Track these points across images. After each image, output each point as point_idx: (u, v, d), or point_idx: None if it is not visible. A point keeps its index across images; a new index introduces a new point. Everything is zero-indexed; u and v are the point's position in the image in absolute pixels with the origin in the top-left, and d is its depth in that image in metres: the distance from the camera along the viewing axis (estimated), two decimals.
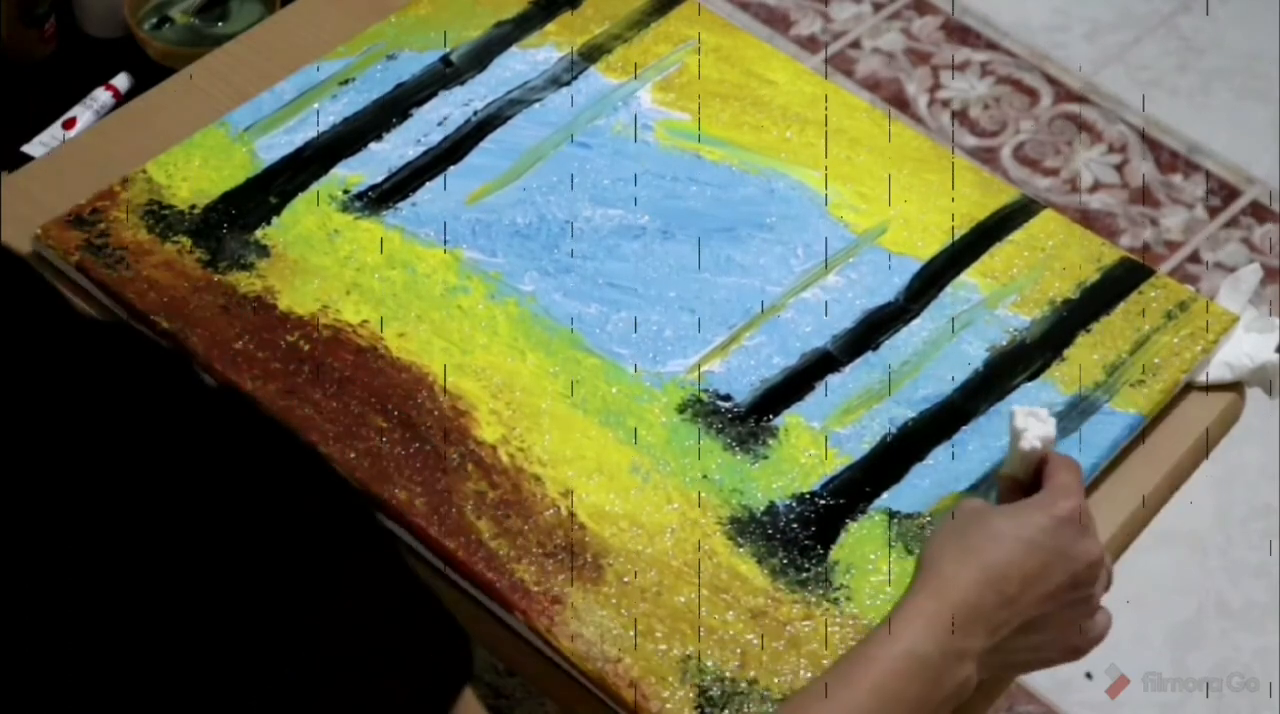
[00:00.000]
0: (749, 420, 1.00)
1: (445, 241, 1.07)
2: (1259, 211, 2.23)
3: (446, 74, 1.18)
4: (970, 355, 1.04)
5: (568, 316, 1.04)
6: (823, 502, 0.96)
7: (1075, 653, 0.90)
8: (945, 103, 2.32)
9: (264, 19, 1.33)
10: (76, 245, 1.05)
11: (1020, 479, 0.91)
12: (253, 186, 1.10)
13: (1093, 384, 1.03)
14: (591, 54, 1.19)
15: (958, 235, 1.10)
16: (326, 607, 0.59)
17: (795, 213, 1.11)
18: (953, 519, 0.88)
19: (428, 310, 1.04)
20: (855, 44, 2.39)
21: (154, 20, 1.41)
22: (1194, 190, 2.25)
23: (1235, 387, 1.06)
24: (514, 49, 1.19)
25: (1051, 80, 2.36)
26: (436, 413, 0.99)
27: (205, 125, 1.13)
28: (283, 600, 0.58)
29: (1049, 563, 0.85)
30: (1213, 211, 2.23)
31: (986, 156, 2.25)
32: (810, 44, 2.38)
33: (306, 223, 1.08)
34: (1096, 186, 2.24)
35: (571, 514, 0.95)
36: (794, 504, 0.96)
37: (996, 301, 1.07)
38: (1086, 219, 2.16)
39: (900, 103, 2.31)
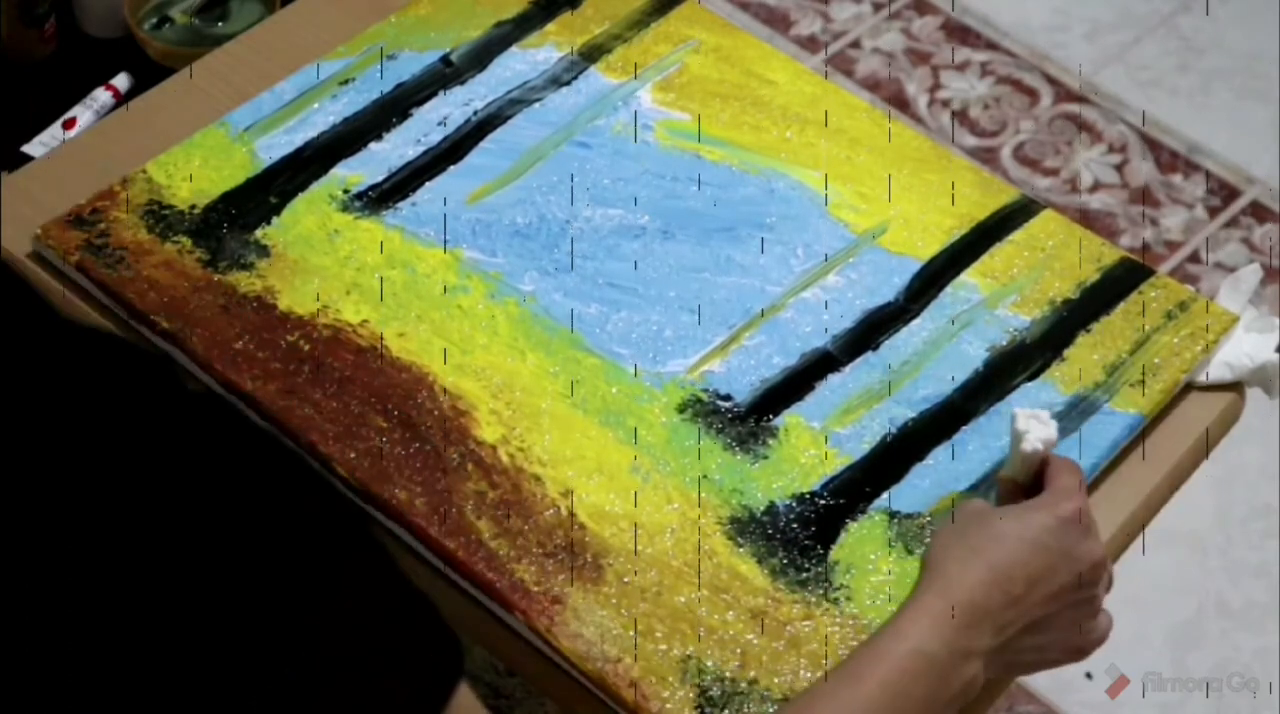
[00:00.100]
0: (749, 420, 1.00)
1: (445, 241, 1.07)
2: (1259, 211, 2.23)
3: (446, 74, 1.18)
4: (970, 355, 1.04)
5: (568, 316, 1.04)
6: (823, 502, 0.96)
7: (1078, 653, 0.90)
8: (945, 103, 2.32)
9: (264, 19, 1.33)
10: (76, 245, 1.05)
11: (1020, 481, 0.91)
12: (253, 186, 1.10)
13: (1093, 384, 1.03)
14: (591, 54, 1.19)
15: (958, 235, 1.10)
16: (325, 607, 0.59)
17: (795, 213, 1.11)
18: (955, 520, 0.88)
19: (428, 310, 1.04)
20: (855, 44, 2.39)
21: (154, 20, 1.41)
22: (1194, 190, 2.25)
23: (1235, 387, 1.06)
24: (514, 49, 1.19)
25: (1051, 80, 2.36)
26: (436, 413, 0.99)
27: (205, 125, 1.13)
28: (282, 601, 0.58)
29: (1054, 564, 0.86)
30: (1213, 211, 2.23)
31: (986, 156, 2.25)
32: (810, 44, 2.38)
33: (306, 223, 1.08)
34: (1096, 186, 2.24)
35: (571, 514, 0.95)
36: (794, 504, 0.96)
37: (996, 301, 1.07)
38: (1086, 219, 2.16)
39: (900, 103, 2.31)
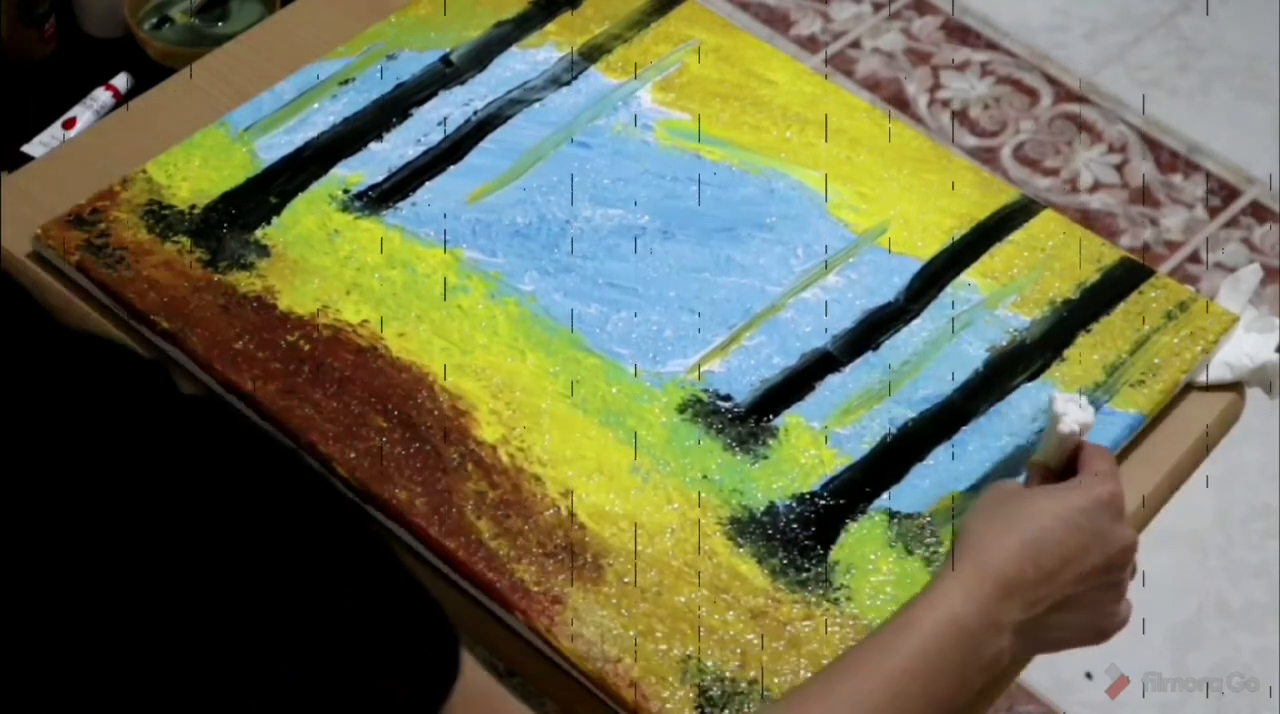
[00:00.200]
0: (749, 420, 1.00)
1: (445, 241, 1.07)
2: (1259, 211, 2.23)
3: (446, 74, 1.18)
4: (970, 355, 1.04)
5: (568, 316, 1.04)
6: (823, 502, 0.96)
7: (1102, 635, 0.92)
8: (945, 103, 2.32)
9: (264, 19, 1.33)
10: (76, 245, 1.05)
11: (1053, 466, 0.92)
12: (253, 186, 1.10)
13: (1093, 384, 1.03)
14: (591, 54, 1.19)
15: (958, 235, 1.10)
16: (325, 607, 0.59)
17: (795, 213, 1.11)
18: (991, 497, 0.90)
19: (428, 310, 1.04)
20: (855, 44, 2.39)
21: (154, 20, 1.41)
22: (1194, 190, 2.25)
23: (1235, 387, 1.06)
24: (514, 49, 1.19)
25: (1051, 80, 2.36)
26: (436, 413, 0.99)
27: (205, 125, 1.13)
28: (281, 601, 0.58)
29: (1086, 544, 0.87)
30: (1213, 211, 2.23)
31: (986, 156, 2.25)
32: (810, 44, 2.38)
33: (306, 223, 1.08)
34: (1096, 186, 2.24)
35: (571, 514, 0.95)
36: (794, 504, 0.96)
37: (996, 302, 1.07)
38: (1086, 219, 2.16)
39: (900, 103, 2.31)
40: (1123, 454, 1.01)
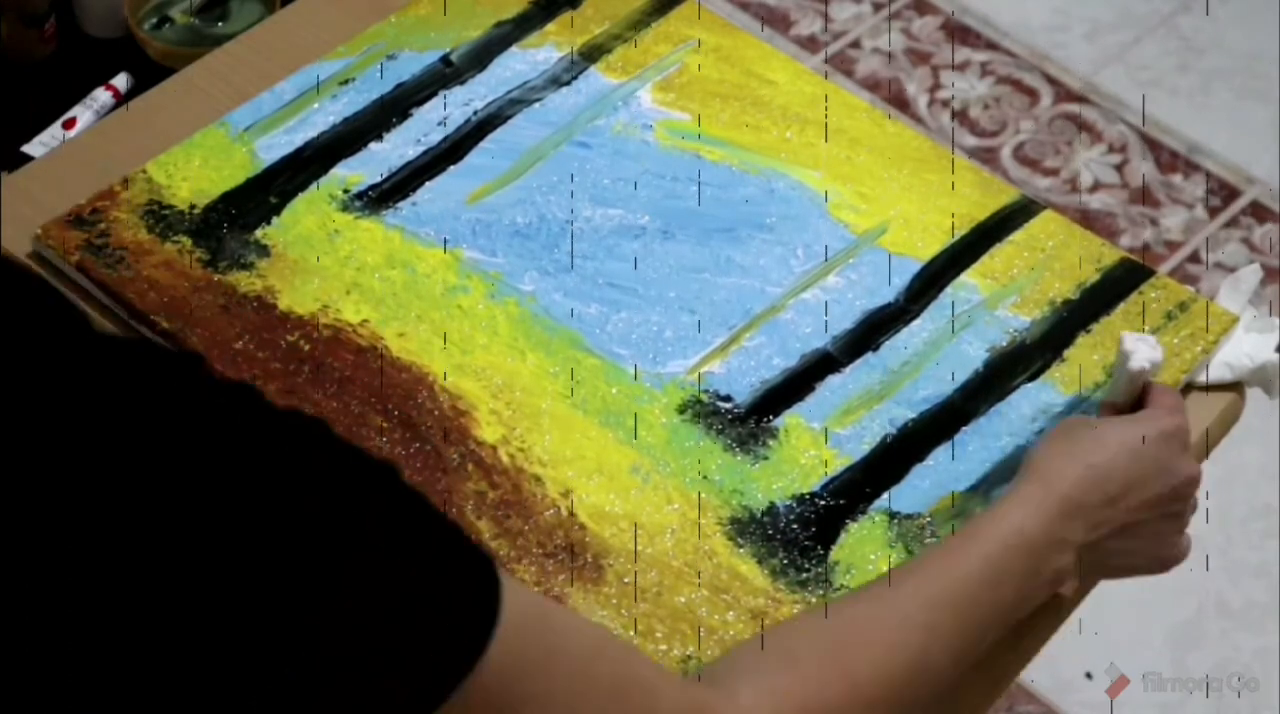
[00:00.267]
0: (749, 421, 1.00)
1: (445, 241, 1.07)
2: (1259, 211, 2.23)
3: (446, 74, 1.18)
4: (970, 356, 1.04)
5: (568, 316, 1.04)
6: (823, 502, 0.96)
7: (1162, 565, 0.94)
8: (945, 103, 2.32)
9: (264, 19, 1.33)
10: (76, 245, 1.05)
11: (1121, 406, 0.95)
12: (253, 186, 1.10)
13: (1093, 384, 1.03)
14: (591, 54, 1.19)
15: (958, 235, 1.10)
16: (326, 607, 0.59)
17: (795, 213, 1.11)
18: (1060, 428, 0.93)
19: (428, 310, 1.04)
20: (855, 44, 2.39)
21: (154, 20, 1.41)
22: (1194, 190, 2.25)
23: (1235, 386, 1.06)
24: (514, 49, 1.19)
25: (1051, 80, 2.36)
26: (436, 413, 0.99)
27: (205, 125, 1.13)
28: (283, 601, 0.58)
29: (1151, 472, 0.89)
30: (1213, 211, 2.23)
31: (986, 156, 2.25)
32: (810, 44, 2.38)
33: (306, 223, 1.08)
34: (1096, 186, 2.24)
35: (571, 514, 0.95)
36: (794, 505, 0.96)
37: (996, 302, 1.07)
38: (1086, 219, 2.16)
39: (900, 103, 2.31)
40: None
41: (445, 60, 1.18)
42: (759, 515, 0.96)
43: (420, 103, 1.15)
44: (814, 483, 0.97)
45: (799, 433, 0.99)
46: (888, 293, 1.07)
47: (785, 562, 0.94)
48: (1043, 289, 1.08)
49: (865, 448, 0.99)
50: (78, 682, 0.56)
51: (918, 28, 2.41)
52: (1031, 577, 0.86)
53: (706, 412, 1.00)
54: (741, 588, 0.92)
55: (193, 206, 1.08)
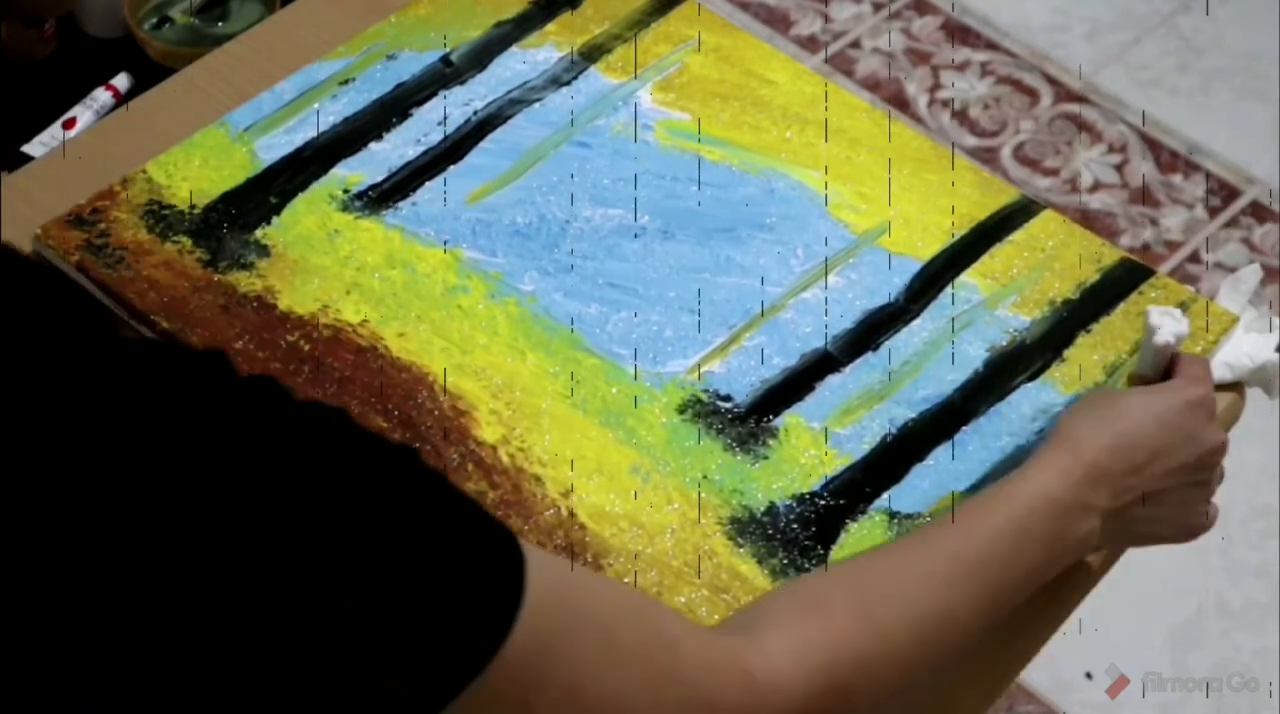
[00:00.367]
0: (749, 421, 1.00)
1: (445, 241, 1.07)
2: (1259, 211, 2.23)
3: (446, 74, 1.18)
4: (970, 356, 1.04)
5: (568, 316, 1.04)
6: (823, 502, 0.96)
7: (1188, 533, 0.95)
8: (945, 103, 2.32)
9: (264, 19, 1.33)
10: (76, 245, 1.05)
11: (1150, 377, 0.97)
12: (253, 186, 1.10)
13: (1093, 384, 1.03)
14: (591, 54, 1.19)
15: (958, 235, 1.10)
16: (354, 592, 0.59)
17: (795, 213, 1.11)
18: (1087, 399, 0.94)
19: (428, 310, 1.04)
20: (855, 44, 2.39)
21: (154, 20, 1.41)
22: (1194, 190, 2.25)
23: (1235, 386, 1.06)
24: (514, 49, 1.19)
25: (1051, 80, 2.36)
26: (436, 413, 0.99)
27: (205, 125, 1.13)
28: (310, 587, 0.58)
29: (1176, 441, 0.91)
30: (1213, 211, 2.23)
31: (986, 156, 2.25)
32: (810, 44, 2.38)
33: (306, 223, 1.08)
34: (1096, 186, 2.24)
35: (571, 514, 0.95)
36: (794, 504, 0.96)
37: (996, 302, 1.07)
38: (1086, 219, 2.16)
39: (900, 103, 2.31)
40: None
41: (445, 60, 1.18)
42: (759, 515, 0.96)
43: (420, 103, 1.15)
44: (814, 482, 0.97)
45: (799, 432, 0.99)
46: (888, 292, 1.07)
47: (785, 561, 0.94)
48: (1043, 289, 1.08)
49: (865, 447, 0.99)
50: (76, 680, 0.56)
51: (918, 28, 2.41)
52: (1057, 540, 0.87)
53: (706, 411, 1.00)
54: (741, 588, 0.92)
55: (193, 206, 1.08)
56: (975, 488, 0.97)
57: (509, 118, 1.15)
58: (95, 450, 0.57)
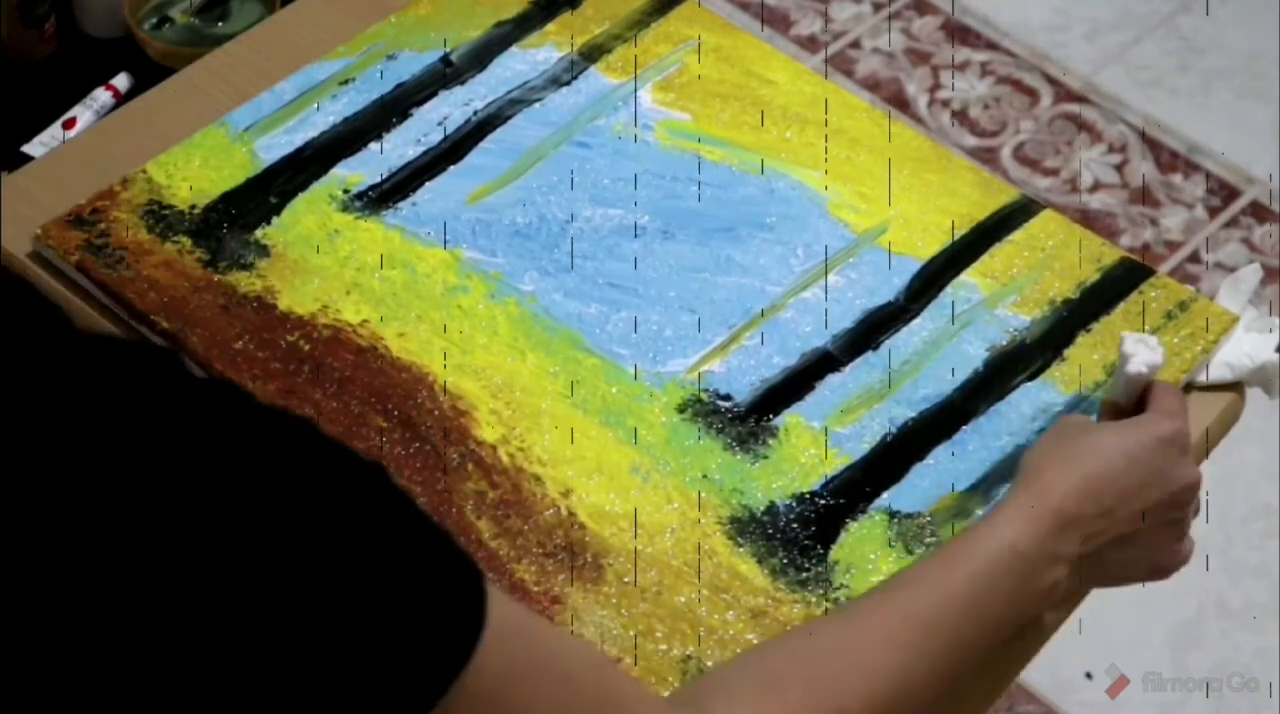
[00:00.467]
0: (749, 420, 1.00)
1: (445, 241, 1.07)
2: (1259, 211, 2.23)
3: (446, 74, 1.18)
4: (970, 355, 1.04)
5: (568, 316, 1.04)
6: (823, 501, 0.96)
7: (1161, 573, 0.93)
8: (945, 103, 2.32)
9: (264, 19, 1.33)
10: (76, 245, 1.05)
11: (1123, 405, 0.94)
12: (253, 186, 1.10)
13: (1093, 384, 1.03)
14: (591, 54, 1.19)
15: (958, 235, 1.10)
16: (326, 607, 0.59)
17: (795, 213, 1.11)
18: (1057, 429, 0.91)
19: (428, 310, 1.04)
20: (855, 44, 2.39)
21: (154, 20, 1.41)
22: (1194, 190, 2.25)
23: (1235, 386, 1.06)
24: (514, 49, 1.19)
25: (1051, 80, 2.36)
26: (436, 413, 0.99)
27: (205, 125, 1.13)
28: (282, 600, 0.58)
29: (1148, 480, 0.88)
30: (1213, 211, 2.23)
31: (986, 156, 2.25)
32: (810, 44, 2.38)
33: (306, 223, 1.08)
34: (1096, 186, 2.24)
35: (571, 514, 0.95)
36: (794, 504, 0.96)
37: (996, 302, 1.07)
38: (1086, 219, 2.16)
39: (900, 103, 2.31)
40: None
41: (445, 60, 1.18)
42: (759, 515, 0.96)
43: (420, 103, 1.15)
44: (814, 482, 0.97)
45: (799, 432, 0.99)
46: (888, 292, 1.07)
47: (785, 561, 0.94)
48: (1043, 288, 1.08)
49: (865, 447, 0.99)
50: (76, 683, 0.56)
51: (918, 28, 2.41)
52: (1022, 593, 0.84)
53: (706, 411, 1.00)
54: (741, 587, 0.92)
55: (193, 206, 1.08)
56: (975, 487, 0.97)
57: (509, 118, 1.15)
58: (54, 449, 0.56)
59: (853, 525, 0.96)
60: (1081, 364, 1.03)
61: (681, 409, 1.00)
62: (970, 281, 1.08)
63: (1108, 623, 1.71)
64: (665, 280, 1.06)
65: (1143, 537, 0.89)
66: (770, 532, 0.95)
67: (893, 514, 0.96)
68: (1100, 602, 1.03)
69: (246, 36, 1.24)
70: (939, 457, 0.99)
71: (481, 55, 1.19)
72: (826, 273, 1.07)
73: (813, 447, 0.99)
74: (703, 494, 0.96)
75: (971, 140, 2.28)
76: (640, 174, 1.12)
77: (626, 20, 1.21)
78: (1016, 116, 2.31)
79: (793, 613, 0.91)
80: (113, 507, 0.56)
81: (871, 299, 1.06)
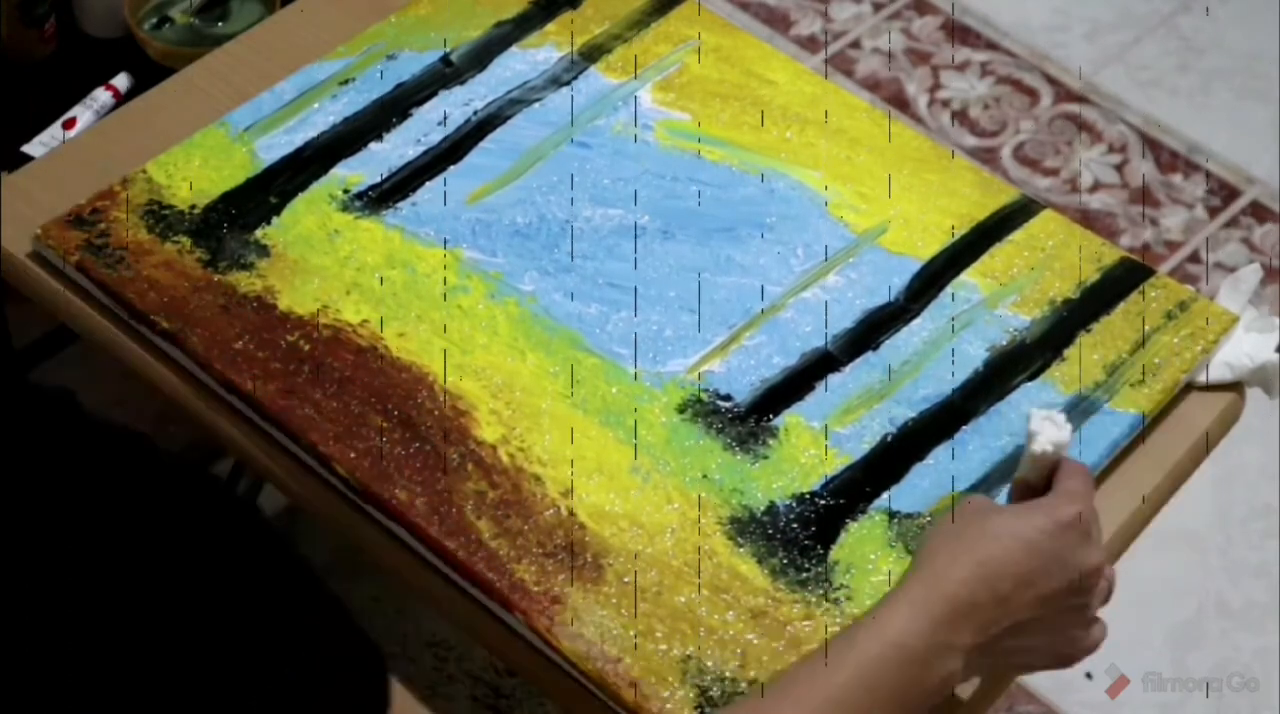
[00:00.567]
0: (749, 420, 1.00)
1: (445, 241, 1.07)
2: (1259, 211, 2.23)
3: (446, 74, 1.18)
4: (970, 355, 1.04)
5: (568, 316, 1.04)
6: (823, 501, 0.96)
7: (1065, 660, 0.89)
8: (945, 103, 2.32)
9: (264, 19, 1.33)
10: (76, 245, 1.05)
11: (1033, 483, 0.90)
12: (253, 186, 1.10)
13: (1093, 384, 1.03)
14: (591, 54, 1.19)
15: (958, 235, 1.10)
16: (257, 640, 0.58)
17: (795, 213, 1.11)
18: (954, 515, 0.88)
19: (428, 310, 1.04)
20: (855, 44, 2.39)
21: (154, 20, 1.41)
22: (1194, 190, 2.25)
23: (1235, 386, 1.06)
24: (514, 49, 1.19)
25: (1051, 80, 2.36)
26: (436, 413, 0.99)
27: (205, 125, 1.13)
28: (214, 641, 0.57)
29: (1046, 567, 0.85)
30: (1213, 211, 2.23)
31: (986, 156, 2.25)
32: (810, 44, 2.38)
33: (306, 223, 1.08)
34: (1096, 186, 2.24)
35: (571, 514, 0.95)
36: (794, 504, 0.96)
37: (996, 301, 1.07)
38: (1086, 219, 2.16)
39: (900, 103, 2.31)
40: (1123, 454, 1.01)
41: (445, 60, 1.18)
42: (759, 515, 0.96)
43: (420, 103, 1.15)
44: (814, 482, 0.97)
45: (799, 432, 0.99)
46: (888, 292, 1.07)
47: (785, 561, 0.94)
48: (1043, 288, 1.08)
49: (865, 447, 0.99)
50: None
51: (918, 28, 2.41)
52: (912, 688, 0.82)
53: (706, 411, 1.00)
54: (741, 587, 0.92)
55: (193, 206, 1.08)
56: (975, 487, 0.97)
57: (509, 118, 1.15)
58: None
59: (853, 525, 0.96)
60: (1081, 364, 1.03)
61: (681, 409, 1.00)
62: (970, 281, 1.08)
63: (1108, 623, 1.71)
64: (665, 280, 1.06)
65: (1043, 624, 0.86)
66: (770, 532, 0.95)
67: (893, 514, 0.96)
68: None
69: (246, 36, 1.24)
70: (939, 457, 0.99)
71: (481, 55, 1.19)
72: (826, 273, 1.07)
73: (813, 447, 0.99)
74: (703, 494, 0.96)
75: (971, 140, 2.28)
76: (640, 174, 1.12)
77: (626, 20, 1.21)
78: (1016, 116, 2.31)
79: (793, 613, 0.91)
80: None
81: (871, 299, 1.06)
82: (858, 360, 1.03)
